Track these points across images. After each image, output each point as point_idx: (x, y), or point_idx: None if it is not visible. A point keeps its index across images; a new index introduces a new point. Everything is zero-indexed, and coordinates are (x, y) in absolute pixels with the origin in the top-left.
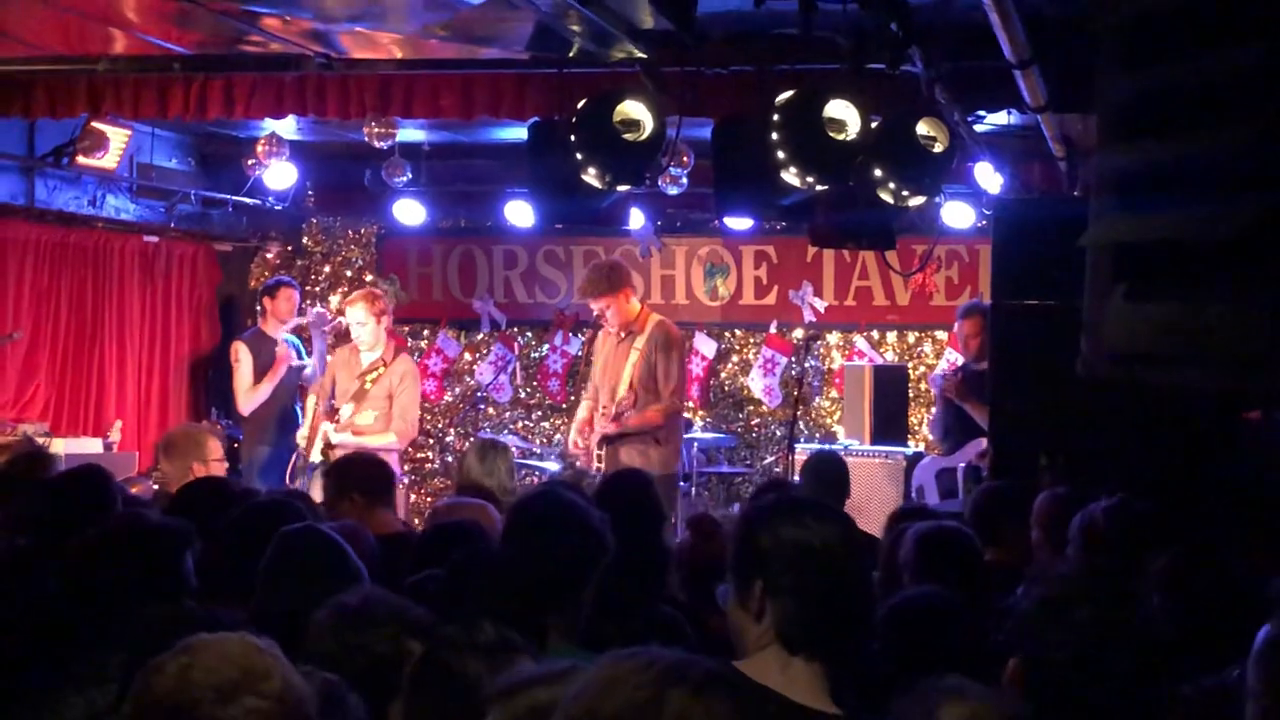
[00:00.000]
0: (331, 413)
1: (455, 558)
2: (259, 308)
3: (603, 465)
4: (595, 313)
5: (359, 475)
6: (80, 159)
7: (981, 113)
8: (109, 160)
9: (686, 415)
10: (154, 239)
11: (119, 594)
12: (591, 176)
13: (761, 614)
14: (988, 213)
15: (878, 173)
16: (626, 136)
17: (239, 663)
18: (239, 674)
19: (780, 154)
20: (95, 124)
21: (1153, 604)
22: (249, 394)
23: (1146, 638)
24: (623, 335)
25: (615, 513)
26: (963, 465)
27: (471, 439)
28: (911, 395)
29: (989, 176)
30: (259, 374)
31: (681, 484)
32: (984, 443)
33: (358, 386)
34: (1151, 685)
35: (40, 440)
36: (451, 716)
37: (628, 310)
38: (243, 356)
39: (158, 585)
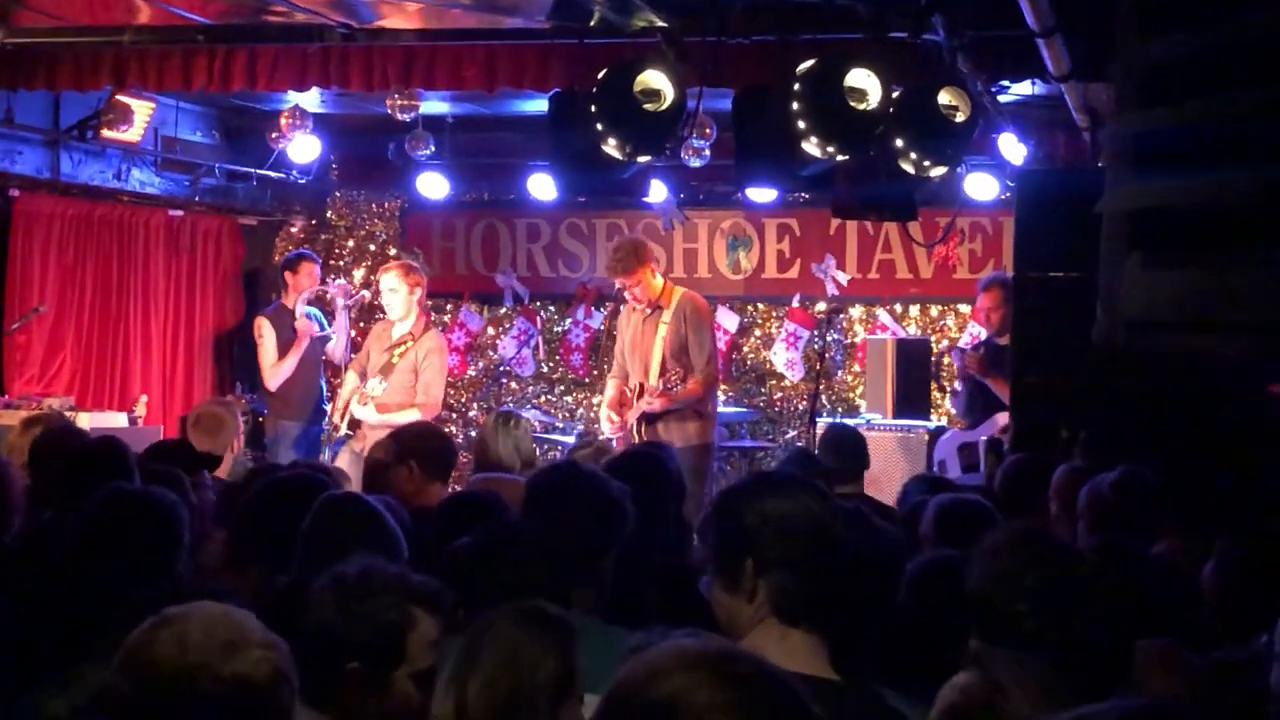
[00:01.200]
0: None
1: (475, 531)
2: (281, 282)
3: (644, 437)
4: (619, 289)
5: (419, 445)
6: (105, 132)
7: (1005, 82)
8: (133, 133)
9: None
10: (179, 213)
11: (122, 568)
12: (612, 147)
13: (754, 593)
14: (1011, 184)
15: (899, 143)
16: (647, 107)
17: (229, 622)
18: (233, 632)
19: (801, 124)
20: (120, 97)
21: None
22: (274, 369)
23: (1100, 592)
24: (649, 311)
25: (632, 485)
26: (984, 439)
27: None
28: (934, 369)
29: (1013, 147)
30: (283, 348)
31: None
32: (1006, 417)
33: (386, 360)
34: (1118, 638)
35: (66, 414)
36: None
37: (652, 286)
38: (266, 332)
39: (157, 559)
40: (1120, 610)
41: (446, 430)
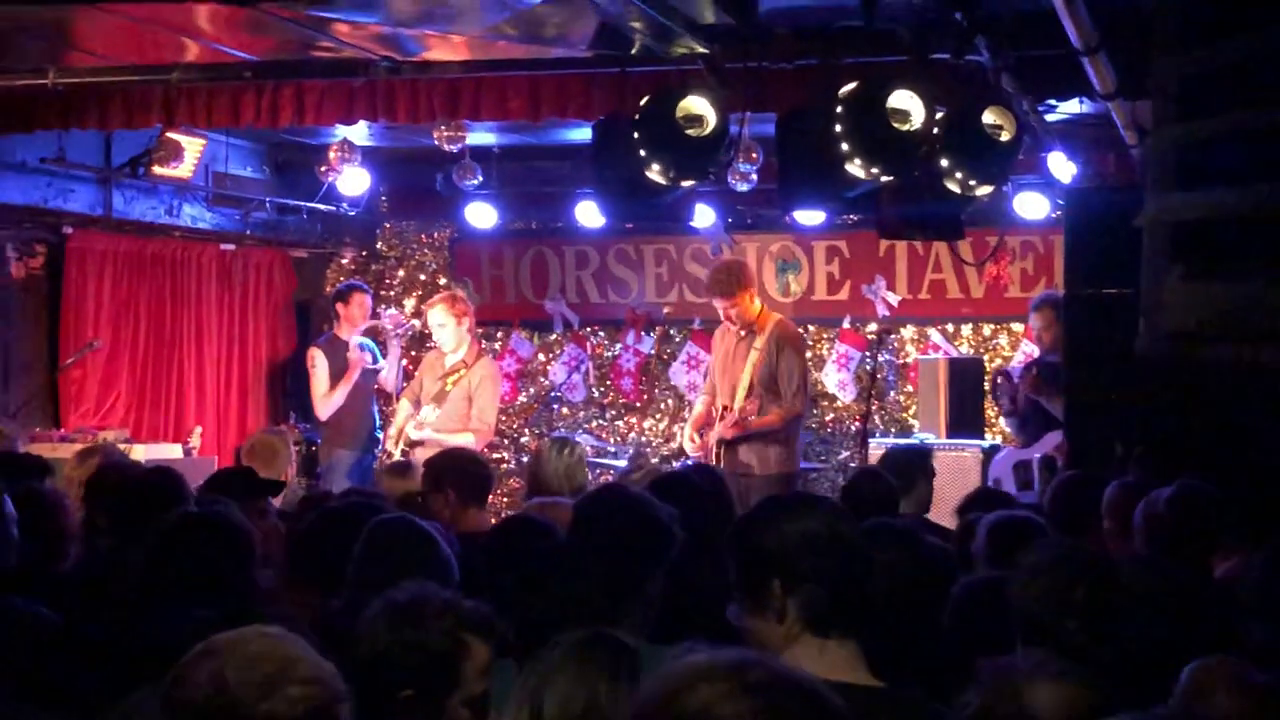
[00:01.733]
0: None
1: (525, 557)
2: (333, 313)
3: (721, 464)
4: (720, 310)
5: (455, 471)
6: (156, 169)
7: (1052, 101)
8: (184, 170)
9: None
10: (230, 247)
11: (185, 591)
12: (655, 173)
13: (783, 612)
14: (1061, 202)
15: (944, 163)
16: (690, 132)
17: (270, 655)
18: (274, 667)
19: (845, 146)
20: (170, 134)
21: (1245, 595)
22: (325, 399)
23: (1146, 606)
24: (743, 334)
25: (680, 507)
26: (1038, 457)
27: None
28: (986, 388)
29: (1062, 166)
30: (334, 379)
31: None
32: (1060, 435)
33: (439, 388)
34: (1157, 653)
35: (121, 447)
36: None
37: (750, 310)
38: (319, 362)
39: (225, 581)
40: (1166, 626)
41: (498, 456)
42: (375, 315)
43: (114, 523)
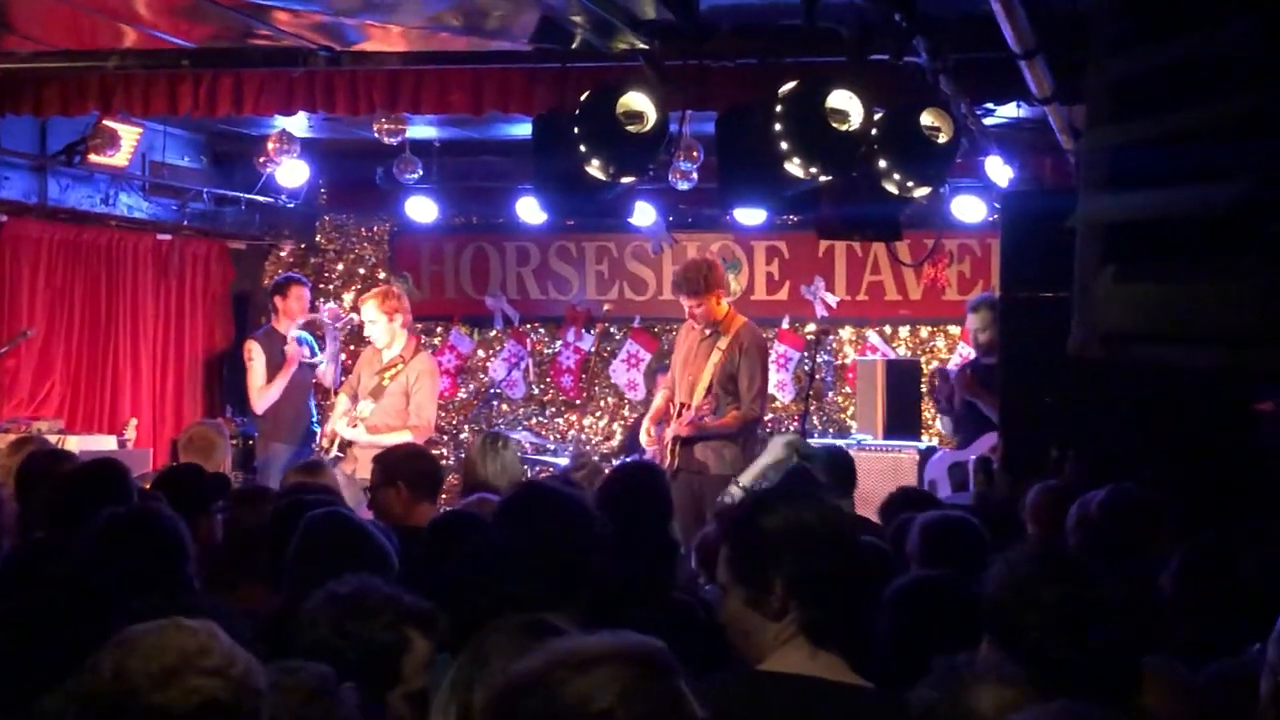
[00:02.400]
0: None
1: (460, 551)
2: (270, 306)
3: (676, 461)
4: (687, 308)
5: (405, 466)
6: (92, 157)
7: (990, 105)
8: (121, 158)
9: None
10: (167, 237)
11: (123, 585)
12: (595, 169)
13: (783, 612)
14: (998, 206)
15: (882, 164)
16: (630, 128)
17: (174, 646)
18: (176, 657)
19: (784, 145)
20: (107, 122)
21: (1164, 595)
22: (262, 392)
23: (1119, 611)
24: (707, 333)
25: (620, 504)
26: (974, 458)
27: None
28: (924, 390)
29: (999, 169)
30: (272, 372)
31: None
32: (996, 436)
33: (376, 382)
34: (1129, 656)
35: (55, 438)
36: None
37: (716, 310)
38: (255, 355)
39: (161, 577)
40: (1131, 629)
41: (437, 452)
42: (314, 309)
43: (50, 516)
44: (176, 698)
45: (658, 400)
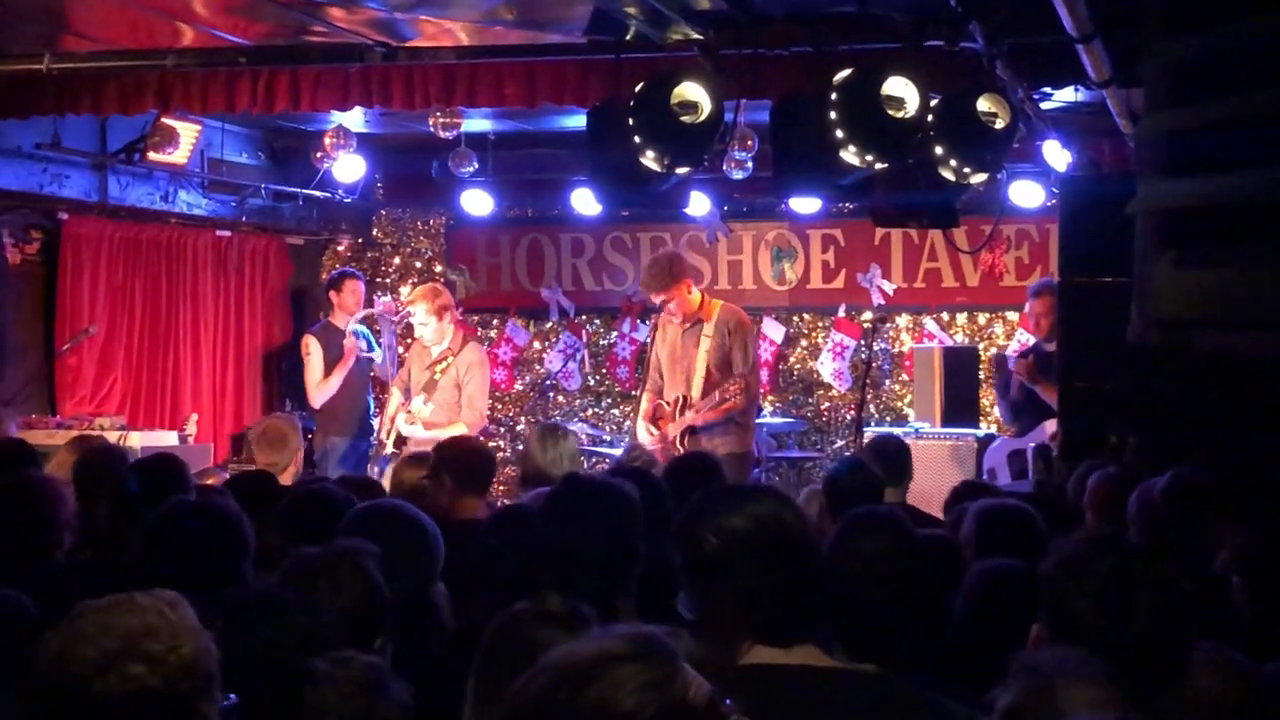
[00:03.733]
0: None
1: (515, 544)
2: (326, 301)
3: (685, 451)
4: (659, 305)
5: (452, 459)
6: (151, 155)
7: (1047, 89)
8: (180, 156)
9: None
10: (226, 233)
11: (177, 583)
12: (650, 160)
13: (741, 624)
14: (1056, 190)
15: (938, 150)
16: (684, 119)
17: (121, 628)
18: (120, 641)
19: (839, 133)
20: (165, 120)
21: (1231, 583)
22: (319, 386)
23: (1169, 590)
24: (688, 325)
25: (683, 494)
26: (1033, 446)
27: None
28: (982, 377)
29: (1057, 154)
30: (329, 366)
31: (754, 470)
32: (1055, 423)
33: (428, 378)
34: (1176, 637)
35: (116, 434)
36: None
37: (689, 301)
38: (313, 349)
39: (218, 571)
40: (1181, 613)
41: (494, 444)
42: (369, 303)
43: (112, 511)
44: (115, 685)
45: (644, 403)
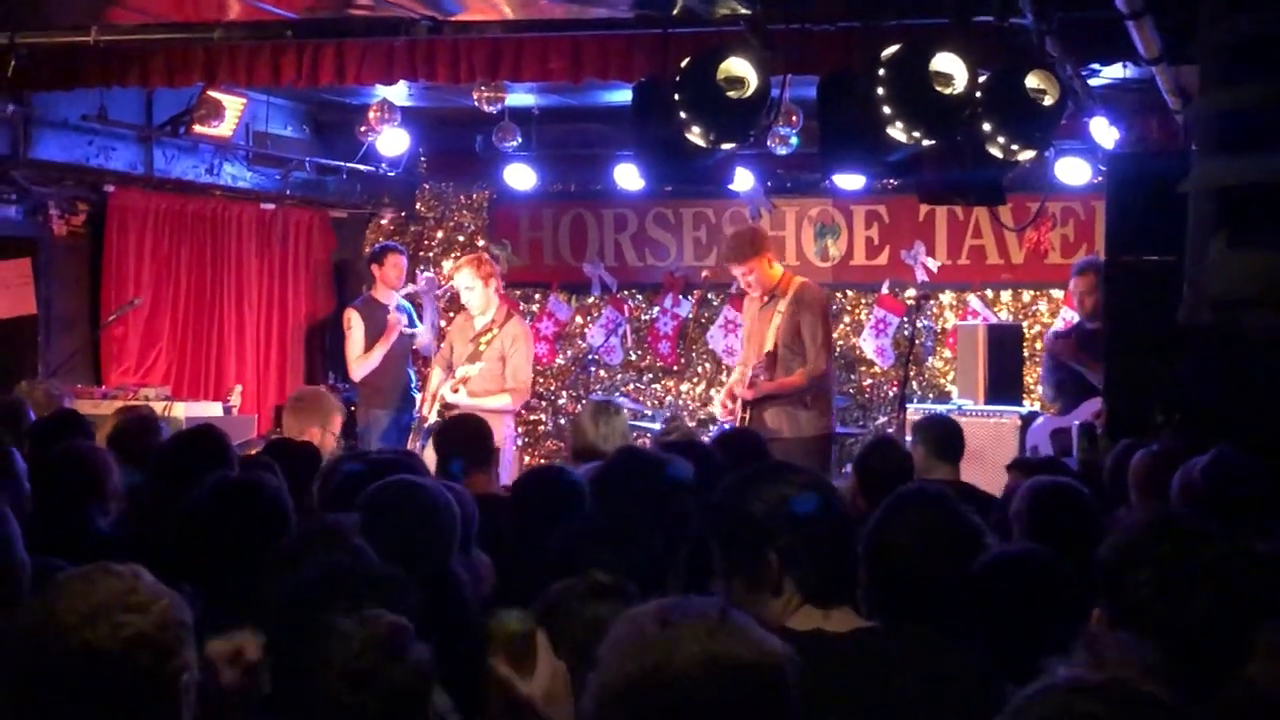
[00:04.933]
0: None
1: (563, 525)
2: (368, 274)
3: (747, 423)
4: (739, 277)
5: (455, 438)
6: (197, 128)
7: (1095, 65)
8: (225, 129)
9: None
10: (270, 206)
11: (221, 555)
12: (696, 135)
13: (780, 585)
14: (1103, 168)
15: (986, 127)
16: (730, 94)
17: (102, 588)
18: (104, 597)
19: (886, 109)
20: (211, 93)
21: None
22: (360, 360)
23: (1230, 574)
24: (766, 299)
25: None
26: (1077, 424)
27: (584, 401)
28: (1026, 354)
29: (1105, 131)
30: (370, 341)
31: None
32: (1099, 402)
33: (472, 350)
34: (1238, 621)
35: (161, 405)
36: (577, 654)
37: (769, 275)
38: (354, 323)
39: (261, 548)
40: (1243, 596)
41: (535, 418)
42: (411, 277)
43: (151, 483)
44: (105, 633)
45: (734, 375)
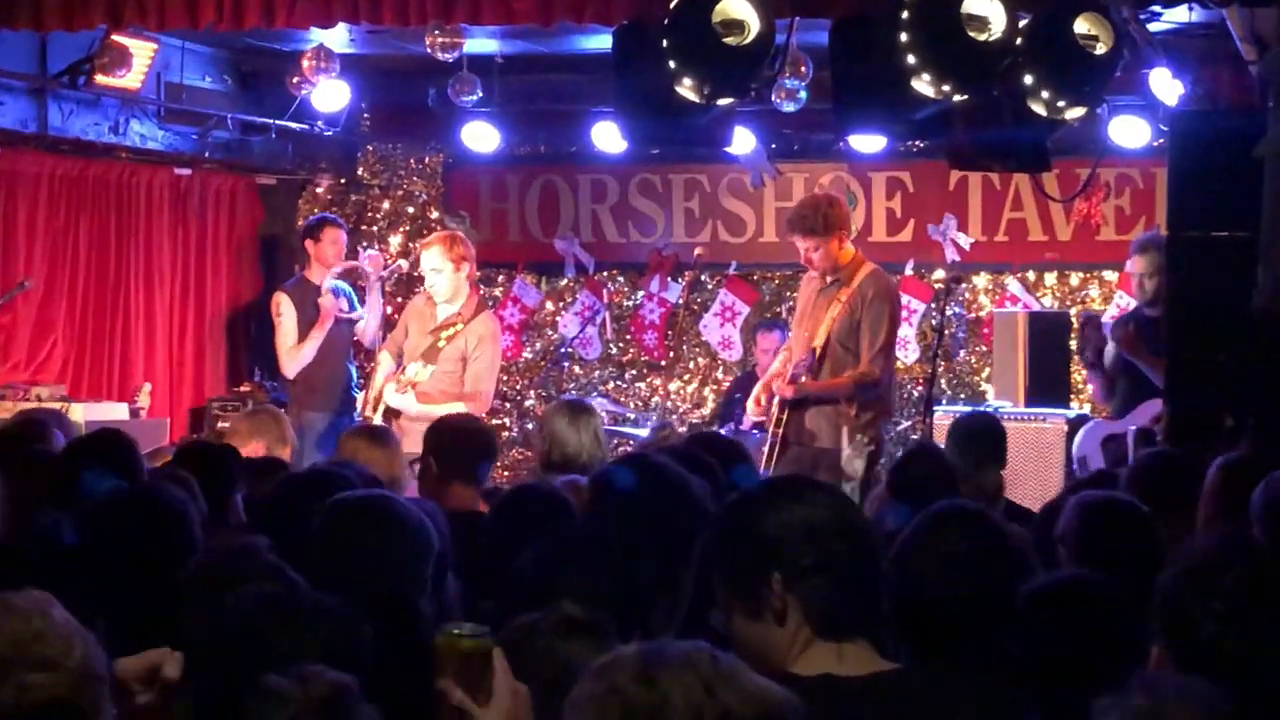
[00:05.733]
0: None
1: (541, 541)
2: (302, 251)
3: (783, 430)
4: (801, 251)
5: (438, 438)
6: (99, 79)
7: (1156, 8)
8: (132, 80)
9: None
10: (186, 171)
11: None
12: (687, 89)
13: (784, 613)
14: (1165, 128)
15: (1028, 79)
16: (728, 40)
17: (8, 633)
18: (9, 648)
19: (911, 58)
20: (116, 37)
21: None
22: (292, 353)
23: None
24: (828, 281)
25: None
26: (1134, 430)
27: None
28: (1075, 347)
29: (1166, 84)
30: (304, 329)
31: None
32: (1159, 403)
33: (429, 343)
34: None
35: (57, 405)
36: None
37: (839, 255)
38: (285, 310)
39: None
40: None
41: (498, 422)
42: (353, 254)
43: (48, 494)
44: (10, 697)
45: (776, 364)
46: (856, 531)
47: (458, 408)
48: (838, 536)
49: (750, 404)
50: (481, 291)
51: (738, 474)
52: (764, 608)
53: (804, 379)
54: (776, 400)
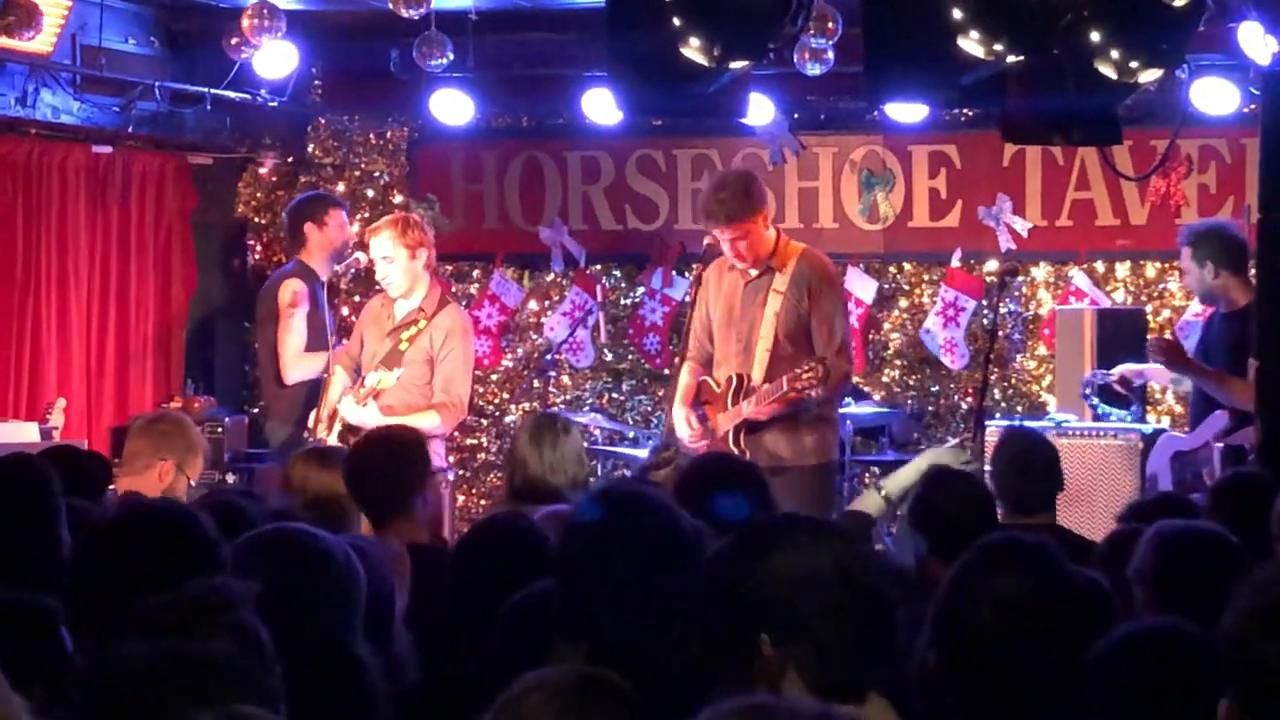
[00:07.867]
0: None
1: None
2: (298, 238)
3: (745, 455)
4: (724, 243)
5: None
6: (2, 41)
7: None
8: (42, 42)
9: None
10: (106, 149)
11: None
12: (694, 50)
13: (780, 676)
14: (1256, 92)
15: (1094, 37)
16: None
17: None
18: None
19: (957, 12)
20: None
21: None
22: (300, 358)
23: None
24: (755, 274)
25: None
26: (1219, 447)
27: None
28: (1149, 350)
29: (1257, 42)
30: (312, 331)
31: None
32: (1225, 417)
33: (389, 347)
34: None
35: None
36: None
37: (764, 241)
38: (302, 303)
39: None
40: None
41: (474, 441)
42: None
43: None
44: None
45: (684, 378)
46: (858, 573)
47: (430, 418)
48: (834, 583)
49: (681, 426)
50: (453, 288)
51: (720, 507)
52: (758, 674)
53: (766, 389)
54: (733, 422)
